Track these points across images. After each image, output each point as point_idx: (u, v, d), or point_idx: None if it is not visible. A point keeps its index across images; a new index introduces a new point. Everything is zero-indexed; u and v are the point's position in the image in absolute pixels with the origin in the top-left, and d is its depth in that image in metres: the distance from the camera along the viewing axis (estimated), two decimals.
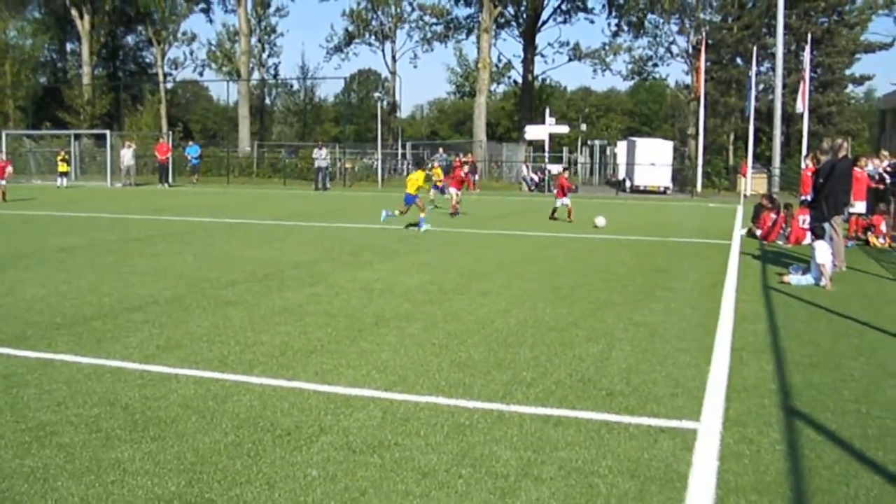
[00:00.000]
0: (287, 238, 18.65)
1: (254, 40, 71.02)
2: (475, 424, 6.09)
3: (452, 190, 26.37)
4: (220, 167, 52.59)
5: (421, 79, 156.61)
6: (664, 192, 45.07)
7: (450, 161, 45.20)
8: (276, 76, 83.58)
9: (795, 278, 13.36)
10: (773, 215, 20.40)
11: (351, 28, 73.45)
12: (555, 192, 26.02)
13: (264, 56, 77.37)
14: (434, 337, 8.92)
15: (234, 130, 63.14)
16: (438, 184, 29.65)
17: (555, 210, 24.73)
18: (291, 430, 5.89)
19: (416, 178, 21.87)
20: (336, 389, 6.89)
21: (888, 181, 22.18)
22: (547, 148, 49.45)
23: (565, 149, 57.35)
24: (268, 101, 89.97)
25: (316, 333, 8.97)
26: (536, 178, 46.43)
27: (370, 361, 7.82)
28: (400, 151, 60.57)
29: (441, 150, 47.51)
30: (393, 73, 76.65)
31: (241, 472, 5.12)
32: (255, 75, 74.51)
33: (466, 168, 27.66)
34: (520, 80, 68.43)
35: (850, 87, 60.59)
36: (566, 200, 24.28)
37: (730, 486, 5.08)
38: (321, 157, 42.48)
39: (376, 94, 58.04)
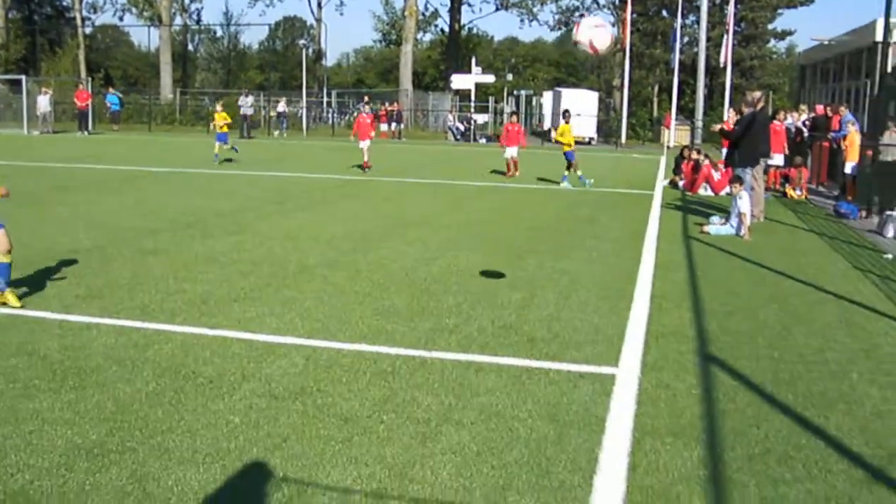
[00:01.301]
0: (211, 187, 18.43)
1: None
2: (397, 371, 6.13)
3: (364, 143, 23.73)
4: (141, 115, 51.44)
5: (347, 26, 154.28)
6: (589, 143, 45.29)
7: (375, 110, 44.89)
8: (198, 22, 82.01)
9: (715, 228, 13.62)
10: (697, 165, 20.63)
11: None
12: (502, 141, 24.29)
13: (186, 1, 75.74)
14: (357, 285, 8.94)
15: (156, 77, 61.79)
16: (223, 130, 25.59)
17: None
18: (213, 378, 5.88)
19: (564, 130, 20.97)
20: (259, 337, 6.88)
21: (806, 135, 22.64)
22: (473, 97, 49.38)
23: (491, 98, 57.16)
24: (190, 47, 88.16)
25: (239, 282, 8.92)
26: (462, 128, 46.35)
27: (293, 309, 7.82)
28: (325, 100, 59.87)
29: (366, 98, 47.06)
30: (318, 20, 75.43)
31: (163, 421, 5.10)
32: (178, 21, 72.92)
33: (368, 117, 24.59)
34: (447, 28, 68.11)
35: (773, 41, 61.60)
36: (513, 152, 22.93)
37: (646, 429, 5.20)
38: (247, 104, 41.99)
39: (301, 42, 57.21)
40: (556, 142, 21.50)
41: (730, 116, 18.79)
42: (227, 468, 4.49)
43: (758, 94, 15.48)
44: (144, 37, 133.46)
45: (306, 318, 7.52)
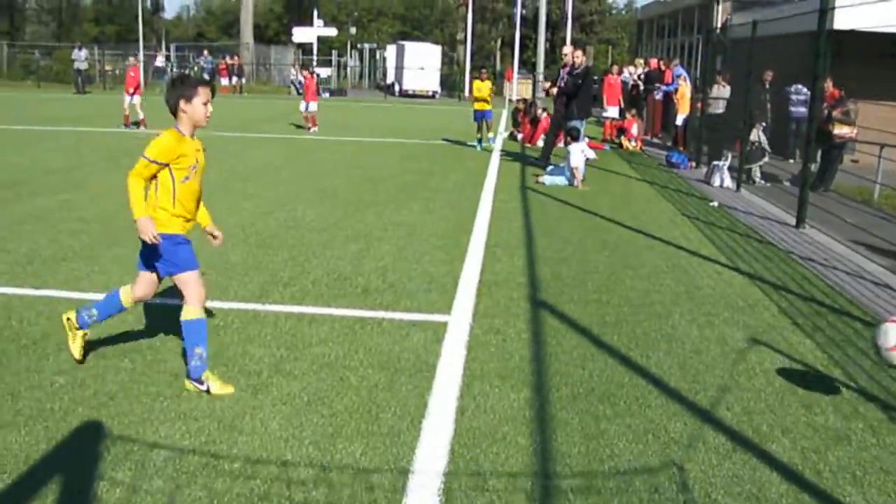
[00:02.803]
0: (40, 144, 17.70)
1: None
2: (230, 325, 6.09)
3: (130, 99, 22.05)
4: None
5: None
6: (433, 97, 45.57)
7: (215, 64, 43.83)
8: None
9: (550, 179, 13.92)
10: (536, 118, 20.97)
11: None
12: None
13: None
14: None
15: None
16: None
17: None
18: (38, 339, 5.70)
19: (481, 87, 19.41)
20: (88, 296, 6.67)
21: (641, 88, 23.31)
22: (315, 51, 48.82)
23: (334, 52, 56.59)
24: None
25: (68, 241, 8.64)
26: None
27: (124, 267, 7.61)
28: (164, 54, 58.06)
29: (205, 52, 45.86)
30: None
31: None
32: None
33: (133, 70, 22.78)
34: None
35: None
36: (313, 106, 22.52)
37: (475, 374, 5.33)
38: (81, 58, 40.33)
39: None
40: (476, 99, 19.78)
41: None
42: (50, 430, 4.38)
43: (569, 48, 15.83)
44: None
45: None
